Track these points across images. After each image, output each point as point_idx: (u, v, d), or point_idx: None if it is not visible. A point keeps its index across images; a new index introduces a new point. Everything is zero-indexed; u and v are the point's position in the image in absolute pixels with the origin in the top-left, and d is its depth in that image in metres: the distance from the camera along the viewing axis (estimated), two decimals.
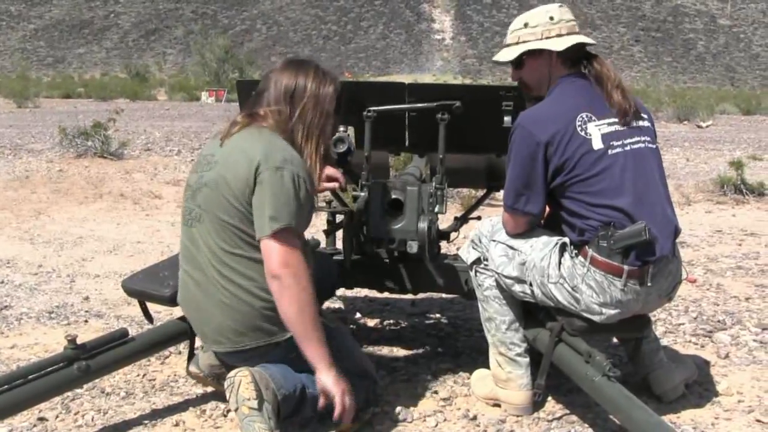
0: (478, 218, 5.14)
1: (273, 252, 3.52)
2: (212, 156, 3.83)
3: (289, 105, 3.81)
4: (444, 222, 5.81)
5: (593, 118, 3.87)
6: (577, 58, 4.06)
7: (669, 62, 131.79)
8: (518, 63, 4.12)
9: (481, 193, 6.20)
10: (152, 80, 65.01)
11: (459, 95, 4.62)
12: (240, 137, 3.77)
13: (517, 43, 4.08)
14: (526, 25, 4.06)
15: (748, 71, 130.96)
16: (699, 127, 28.99)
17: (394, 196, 4.50)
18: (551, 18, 4.01)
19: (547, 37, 4.00)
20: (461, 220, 5.53)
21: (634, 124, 3.97)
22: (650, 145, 4.01)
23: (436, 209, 4.56)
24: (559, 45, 3.98)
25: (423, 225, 4.42)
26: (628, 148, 3.89)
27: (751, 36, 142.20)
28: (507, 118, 4.74)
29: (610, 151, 3.83)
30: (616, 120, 3.91)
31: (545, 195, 3.93)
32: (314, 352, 3.60)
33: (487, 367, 4.37)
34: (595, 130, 3.85)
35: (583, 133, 3.82)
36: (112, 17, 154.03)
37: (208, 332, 3.85)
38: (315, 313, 3.61)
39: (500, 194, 4.99)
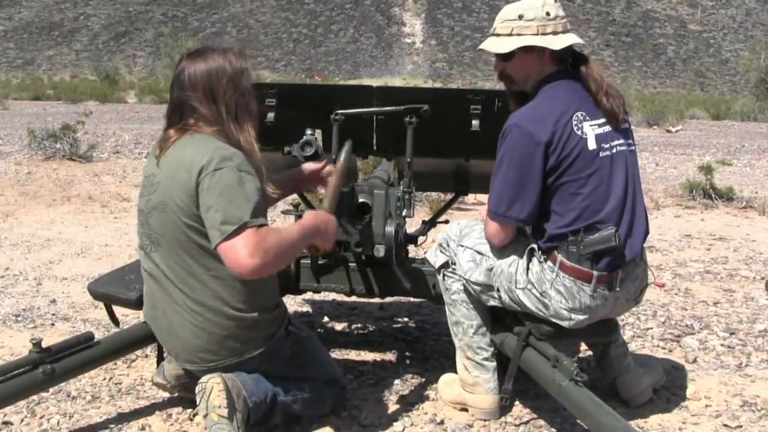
0: (446, 222, 5.12)
1: (235, 252, 3.36)
2: (154, 176, 3.73)
3: (211, 101, 3.67)
4: (412, 226, 5.79)
5: (587, 117, 3.84)
6: (565, 56, 4.00)
7: (639, 67, 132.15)
8: (508, 55, 4.00)
9: (449, 196, 6.19)
10: (122, 83, 64.67)
11: (427, 99, 4.61)
12: (175, 150, 3.66)
13: (510, 35, 3.93)
14: (520, 17, 3.90)
15: (717, 76, 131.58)
16: (669, 131, 29.08)
17: (361, 200, 4.48)
18: (547, 13, 3.89)
19: (542, 33, 3.88)
20: (429, 224, 5.52)
21: (620, 126, 3.96)
22: (630, 148, 4.01)
23: (404, 213, 4.54)
24: (557, 43, 3.89)
25: (390, 229, 4.39)
26: (614, 150, 3.88)
27: (720, 41, 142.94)
28: (475, 122, 4.74)
29: (601, 153, 3.82)
30: (605, 121, 3.89)
31: (539, 200, 3.83)
32: (307, 226, 3.66)
33: (455, 371, 4.36)
34: (590, 130, 3.82)
35: (579, 132, 3.79)
36: (81, 19, 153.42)
37: (179, 353, 3.81)
38: (293, 237, 3.54)
39: (469, 198, 4.97)
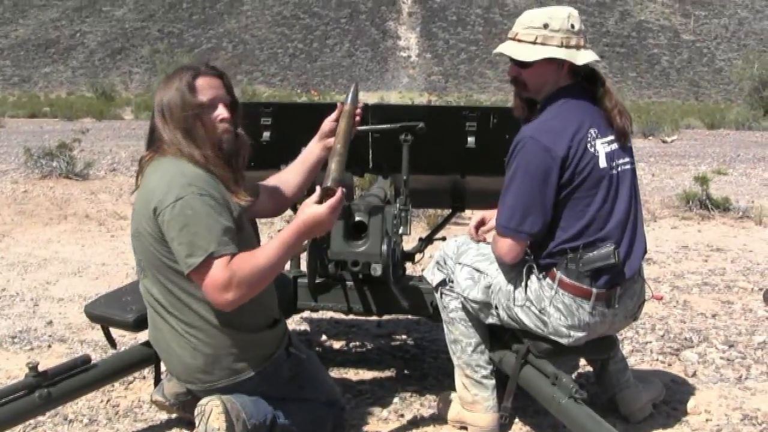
0: (443, 239, 5.11)
1: (208, 287, 3.37)
2: (135, 203, 3.70)
3: (168, 122, 3.62)
4: (409, 243, 5.78)
5: (599, 134, 3.80)
6: (581, 71, 3.94)
7: (634, 77, 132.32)
8: (527, 63, 3.88)
9: (446, 211, 6.18)
10: (118, 99, 64.61)
11: (422, 116, 4.60)
12: (146, 177, 3.63)
13: (534, 43, 3.82)
14: (546, 26, 3.80)
15: (711, 85, 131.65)
16: (664, 141, 29.07)
17: (357, 218, 4.46)
18: (572, 26, 3.81)
19: (567, 46, 3.80)
20: (426, 241, 5.51)
21: (626, 145, 3.93)
22: (632, 166, 3.98)
23: (401, 231, 4.53)
24: (579, 58, 3.82)
25: (387, 248, 4.38)
26: (620, 168, 3.85)
27: (714, 50, 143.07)
28: (471, 139, 4.73)
29: (611, 171, 3.79)
30: (614, 139, 3.86)
31: (551, 214, 3.78)
32: (290, 240, 3.50)
33: (454, 389, 4.34)
34: (601, 148, 3.78)
35: (592, 150, 3.75)
36: (78, 36, 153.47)
37: (180, 374, 3.78)
38: (271, 259, 3.43)
39: (467, 213, 4.95)
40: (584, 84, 3.95)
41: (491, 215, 4.25)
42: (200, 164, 3.56)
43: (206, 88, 3.66)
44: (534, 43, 3.83)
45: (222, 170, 3.62)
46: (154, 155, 3.65)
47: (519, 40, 3.89)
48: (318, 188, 3.47)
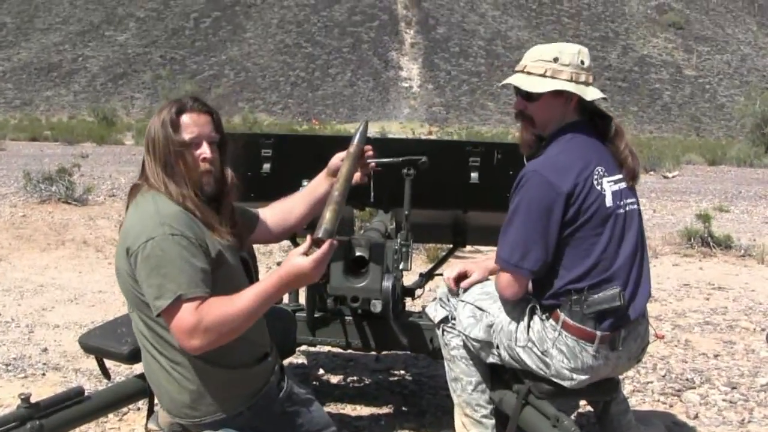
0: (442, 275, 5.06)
1: (174, 330, 3.28)
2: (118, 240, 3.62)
3: (152, 155, 3.56)
4: (409, 277, 5.73)
5: (606, 173, 3.73)
6: (588, 108, 3.88)
7: (635, 112, 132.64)
8: (534, 96, 3.82)
9: (447, 246, 6.13)
10: (119, 124, 64.79)
11: (425, 150, 4.56)
12: (126, 214, 3.56)
13: (543, 76, 3.79)
14: (555, 59, 3.76)
15: (713, 121, 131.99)
16: (665, 177, 29.13)
17: (358, 253, 4.41)
18: (582, 62, 3.79)
19: (576, 81, 3.76)
20: (426, 277, 5.47)
21: (634, 185, 3.89)
22: (637, 206, 3.92)
23: (401, 266, 4.48)
24: (588, 94, 3.78)
25: (387, 284, 4.32)
26: (627, 208, 3.79)
27: (716, 86, 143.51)
28: (474, 174, 4.69)
29: (617, 211, 3.72)
30: (621, 178, 3.80)
31: (553, 252, 3.70)
32: (269, 290, 3.37)
33: (452, 427, 4.26)
34: (608, 187, 3.71)
35: (599, 188, 3.67)
36: (80, 61, 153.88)
37: (168, 407, 3.71)
38: (246, 308, 3.31)
39: (467, 249, 4.90)
40: (592, 121, 3.90)
41: (474, 270, 4.18)
42: (179, 202, 3.48)
43: (190, 125, 3.56)
44: (543, 76, 3.79)
45: (201, 210, 3.52)
46: (140, 187, 3.58)
47: (528, 73, 3.84)
48: (308, 237, 3.39)
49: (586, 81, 3.79)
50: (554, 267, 3.71)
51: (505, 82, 3.94)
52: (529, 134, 4.00)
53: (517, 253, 3.69)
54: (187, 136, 3.53)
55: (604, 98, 3.88)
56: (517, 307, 3.86)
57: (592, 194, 3.65)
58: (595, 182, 3.67)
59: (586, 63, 3.80)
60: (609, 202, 3.69)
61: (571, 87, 3.75)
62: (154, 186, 3.51)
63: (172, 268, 3.27)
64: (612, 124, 3.87)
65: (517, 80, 3.87)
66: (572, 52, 3.79)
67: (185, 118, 3.56)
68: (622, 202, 3.75)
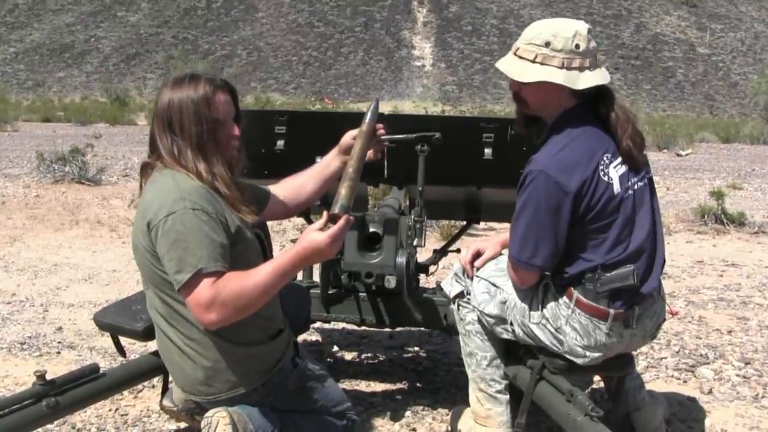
0: (458, 251, 5.05)
1: (192, 304, 3.29)
2: (135, 216, 3.62)
3: (170, 132, 3.55)
4: (423, 254, 5.72)
5: (611, 159, 3.65)
6: (588, 91, 3.72)
7: (648, 90, 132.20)
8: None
9: (461, 223, 6.12)
10: (132, 105, 64.81)
11: (438, 126, 4.55)
12: (144, 191, 3.57)
13: (533, 62, 3.64)
14: (547, 44, 3.61)
15: (726, 99, 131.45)
16: (678, 155, 29.06)
17: (372, 230, 4.41)
18: (577, 46, 3.62)
19: (568, 68, 3.62)
20: (440, 253, 5.46)
21: (639, 166, 3.78)
22: (648, 175, 3.83)
23: (415, 242, 4.48)
24: (579, 82, 3.64)
25: (401, 260, 4.32)
26: (636, 187, 3.71)
27: (729, 65, 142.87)
28: (487, 150, 4.68)
29: (625, 194, 3.65)
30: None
31: (563, 245, 3.65)
32: (286, 266, 3.39)
33: (467, 403, 4.27)
34: (614, 173, 3.63)
35: (606, 178, 3.59)
36: (92, 41, 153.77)
37: (183, 385, 3.72)
38: (262, 283, 3.32)
39: (481, 225, 4.89)
40: (593, 103, 3.78)
41: (487, 247, 4.16)
42: (203, 179, 3.48)
43: (222, 103, 3.59)
44: (533, 61, 3.67)
45: (229, 189, 3.55)
46: (153, 167, 3.59)
47: (519, 56, 3.74)
48: (324, 214, 3.39)
49: (581, 66, 3.66)
50: (568, 254, 3.68)
51: (496, 65, 3.86)
52: (524, 115, 3.95)
53: (527, 250, 3.66)
54: (220, 115, 3.56)
55: (604, 83, 3.72)
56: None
57: (600, 187, 3.58)
58: (602, 173, 3.59)
59: (583, 46, 3.64)
60: (617, 188, 3.62)
61: (560, 76, 3.62)
62: (169, 163, 3.52)
63: (193, 242, 3.29)
64: (612, 114, 3.73)
65: (505, 65, 3.79)
66: (567, 36, 3.63)
67: (220, 96, 3.58)
68: (630, 183, 3.68)
